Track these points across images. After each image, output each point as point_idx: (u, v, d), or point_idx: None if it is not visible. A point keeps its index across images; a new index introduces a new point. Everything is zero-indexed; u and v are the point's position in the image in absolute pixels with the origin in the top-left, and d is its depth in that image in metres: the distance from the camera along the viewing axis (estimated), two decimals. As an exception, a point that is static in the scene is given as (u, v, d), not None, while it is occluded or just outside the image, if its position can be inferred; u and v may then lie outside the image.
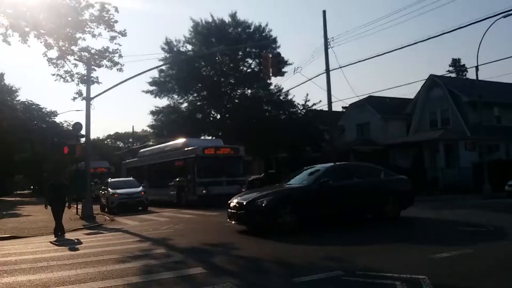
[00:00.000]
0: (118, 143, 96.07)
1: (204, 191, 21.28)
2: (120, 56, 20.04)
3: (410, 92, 74.37)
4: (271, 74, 15.99)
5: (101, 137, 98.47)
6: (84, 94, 19.26)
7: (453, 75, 48.44)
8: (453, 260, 6.67)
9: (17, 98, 49.60)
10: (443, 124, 29.80)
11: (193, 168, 21.70)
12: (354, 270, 6.24)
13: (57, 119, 57.15)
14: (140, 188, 22.42)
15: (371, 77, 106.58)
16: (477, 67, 22.90)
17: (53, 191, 12.99)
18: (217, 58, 36.15)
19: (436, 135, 27.81)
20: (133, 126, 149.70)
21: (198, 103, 37.70)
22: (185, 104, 38.26)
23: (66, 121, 56.87)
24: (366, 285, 5.55)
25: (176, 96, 37.63)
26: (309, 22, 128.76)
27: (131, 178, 25.16)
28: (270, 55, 15.86)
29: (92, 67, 20.57)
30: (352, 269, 6.31)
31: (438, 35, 20.66)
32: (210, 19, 34.95)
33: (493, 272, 6.06)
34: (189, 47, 36.01)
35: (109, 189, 22.34)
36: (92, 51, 20.23)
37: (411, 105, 31.93)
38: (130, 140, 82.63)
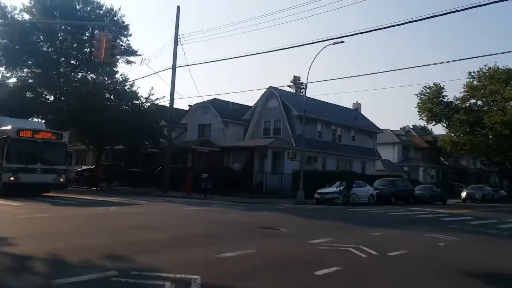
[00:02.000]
0: None
1: (12, 178, 18.85)
2: None
3: (252, 99, 79.03)
4: (102, 58, 14.97)
5: None
6: None
7: (293, 90, 53.02)
8: (234, 260, 7.06)
9: None
10: (275, 133, 32.24)
11: (2, 151, 19.03)
12: (130, 270, 6.04)
13: None
14: None
15: (218, 79, 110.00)
16: (306, 85, 25.56)
17: None
18: (59, 35, 32.75)
19: (266, 143, 29.90)
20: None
21: (30, 80, 33.54)
22: (13, 79, 33.69)
23: None
24: (135, 286, 5.41)
25: (2, 69, 32.86)
26: (165, 14, 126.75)
27: None
28: (105, 38, 14.83)
29: None
30: (128, 269, 6.11)
31: (277, 50, 22.26)
32: (56, -11, 31.33)
33: (264, 270, 6.53)
34: (26, 16, 31.70)
35: None
36: None
37: (250, 112, 33.78)
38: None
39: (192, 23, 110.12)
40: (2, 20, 30.71)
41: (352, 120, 39.04)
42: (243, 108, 35.71)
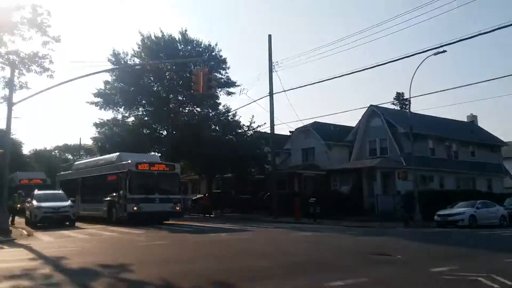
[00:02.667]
0: (67, 155, 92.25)
1: (135, 208, 20.47)
2: (51, 62, 19.27)
3: (353, 119, 76.55)
4: (201, 91, 15.77)
5: (48, 148, 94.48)
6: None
7: (397, 107, 50.32)
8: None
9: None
10: (381, 152, 30.64)
11: (125, 183, 20.85)
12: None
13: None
14: (68, 203, 21.24)
15: (316, 102, 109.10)
16: (409, 100, 24.00)
17: None
18: (166, 75, 35.73)
19: (374, 163, 28.49)
20: (80, 138, 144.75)
21: (145, 118, 36.94)
22: (132, 118, 37.40)
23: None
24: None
25: (122, 110, 36.70)
26: (258, 44, 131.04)
27: (59, 191, 23.91)
28: (202, 72, 15.67)
29: (21, 71, 19.67)
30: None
31: (373, 67, 21.07)
32: (159, 34, 34.53)
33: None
34: (137, 60, 35.30)
35: (33, 201, 21.06)
36: (22, 54, 19.39)
37: (352, 133, 32.69)
38: (81, 152, 79.63)
39: (285, 47, 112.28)
40: (117, 66, 34.47)
41: (468, 134, 35.50)
42: (345, 129, 34.75)
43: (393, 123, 30.05)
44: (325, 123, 35.29)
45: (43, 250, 11.30)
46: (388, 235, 16.48)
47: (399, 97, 50.75)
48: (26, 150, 79.72)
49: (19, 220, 22.41)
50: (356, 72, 22.03)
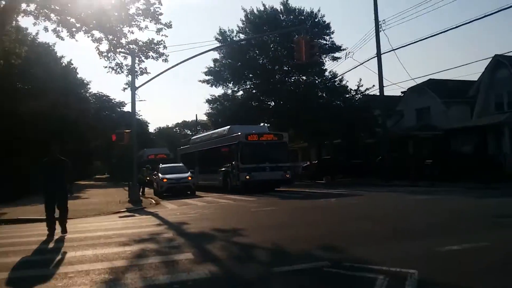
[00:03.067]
0: (186, 130, 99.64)
1: (247, 177, 21.52)
2: (165, 47, 20.82)
3: (470, 73, 68.59)
4: (304, 59, 15.59)
5: (170, 125, 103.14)
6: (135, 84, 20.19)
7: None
8: (459, 254, 6.12)
9: (89, 91, 53.14)
10: (509, 107, 27.19)
11: (237, 154, 21.99)
12: (343, 261, 5.94)
13: (125, 109, 60.54)
14: (188, 174, 23.19)
15: (430, 59, 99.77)
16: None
17: (46, 172, 9.53)
18: (271, 47, 36.07)
19: (501, 119, 25.47)
20: (196, 115, 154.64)
21: (253, 91, 38.00)
22: (240, 92, 38.82)
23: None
24: (345, 277, 5.27)
25: (231, 85, 38.29)
26: (362, 4, 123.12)
27: (180, 164, 26.11)
28: (303, 40, 15.44)
29: (140, 58, 21.58)
30: (341, 260, 6.02)
31: (496, 11, 18.49)
32: (262, 8, 34.93)
33: (498, 268, 5.43)
34: (242, 36, 36.26)
35: (159, 174, 23.37)
36: (139, 43, 21.26)
37: (474, 88, 29.43)
38: (198, 127, 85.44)
39: (392, 3, 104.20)
40: (224, 44, 35.73)
41: None
42: (465, 84, 31.43)
43: (524, 72, 26.36)
44: (441, 80, 32.41)
45: (167, 217, 12.55)
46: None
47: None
48: (151, 128, 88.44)
49: (149, 191, 25.16)
50: (475, 20, 19.68)
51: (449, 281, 4.87)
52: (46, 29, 17.21)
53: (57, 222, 9.61)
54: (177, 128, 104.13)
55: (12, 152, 25.49)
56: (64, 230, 9.66)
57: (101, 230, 10.25)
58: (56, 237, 9.28)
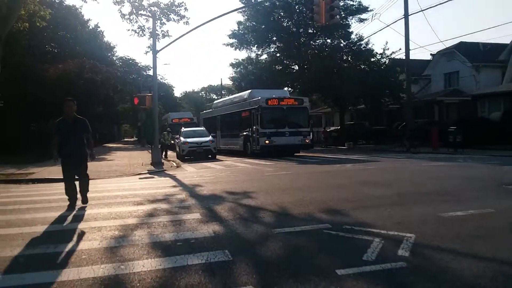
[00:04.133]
0: (212, 94, 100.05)
1: (267, 141, 21.68)
2: (186, 9, 20.83)
3: (504, 34, 64.85)
4: (323, 21, 15.22)
5: (195, 90, 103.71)
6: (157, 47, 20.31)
7: None
8: (461, 220, 6.19)
9: (116, 54, 53.81)
10: (543, 71, 26.02)
11: (257, 119, 22.08)
12: (343, 224, 6.10)
13: (151, 72, 61.10)
14: (209, 138, 23.51)
15: (462, 20, 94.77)
16: None
17: (61, 133, 8.15)
18: (296, 8, 35.21)
19: (533, 84, 24.46)
20: (221, 79, 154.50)
21: (277, 55, 37.52)
22: (264, 56, 38.41)
23: (159, 75, 60.61)
24: (342, 239, 5.42)
25: (255, 48, 37.88)
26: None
27: (202, 128, 26.44)
28: (323, 1, 15.00)
29: (162, 21, 21.59)
30: (342, 223, 6.18)
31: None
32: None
33: (498, 232, 5.50)
34: (267, -2, 35.36)
35: (181, 138, 23.80)
36: (161, 5, 21.21)
37: (506, 51, 28.17)
38: (223, 92, 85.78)
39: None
40: (247, 4, 35.00)
41: None
42: (497, 47, 30.10)
43: (561, 34, 24.93)
44: (472, 43, 31.19)
45: (184, 179, 12.92)
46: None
47: None
48: (177, 92, 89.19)
49: (172, 154, 25.75)
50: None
51: (445, 245, 4.95)
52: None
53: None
54: (203, 92, 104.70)
55: (41, 115, 26.36)
56: (85, 200, 8.48)
57: (119, 190, 10.71)
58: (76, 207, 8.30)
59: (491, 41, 31.71)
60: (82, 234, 6.15)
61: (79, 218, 7.31)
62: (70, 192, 8.32)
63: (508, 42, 28.96)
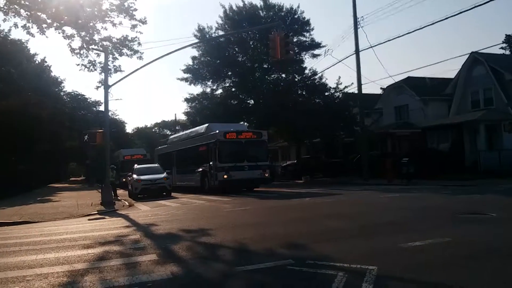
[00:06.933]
0: (165, 130, 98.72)
1: (225, 176, 21.27)
2: (139, 44, 20.37)
3: (448, 69, 69.72)
4: (279, 56, 15.51)
5: (148, 125, 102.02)
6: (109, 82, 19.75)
7: (507, 52, 44.94)
8: (421, 249, 6.21)
9: (64, 89, 52.13)
10: (486, 104, 27.69)
11: (215, 153, 21.69)
12: (306, 259, 5.92)
13: (101, 108, 59.57)
14: (163, 175, 22.82)
15: (408, 57, 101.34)
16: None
17: None
18: (250, 44, 35.88)
19: (476, 116, 25.90)
20: (175, 114, 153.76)
21: (232, 89, 37.71)
22: (220, 91, 38.44)
23: (110, 110, 59.06)
24: (306, 275, 5.25)
25: (210, 83, 37.86)
26: (340, 1, 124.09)
27: (156, 165, 25.74)
28: (278, 36, 15.35)
29: (114, 56, 21.13)
30: (305, 257, 6.00)
31: (471, 8, 18.71)
32: (241, 4, 34.76)
33: (457, 261, 5.52)
34: (221, 33, 35.92)
35: (134, 175, 22.98)
36: (113, 40, 20.80)
37: (451, 85, 29.83)
38: (177, 127, 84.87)
39: (370, 1, 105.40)
40: (202, 40, 35.39)
41: None
42: (443, 82, 31.94)
43: (499, 69, 26.77)
44: (419, 77, 32.87)
45: (138, 219, 12.33)
46: (490, 193, 15.01)
47: (509, 39, 45.08)
48: (129, 128, 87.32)
49: (124, 193, 24.71)
50: (451, 16, 19.75)
51: (407, 276, 4.92)
52: (16, 25, 16.70)
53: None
54: (156, 128, 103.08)
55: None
56: None
57: (67, 233, 9.99)
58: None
59: (437, 76, 33.61)
60: (27, 282, 5.56)
61: (24, 264, 6.66)
62: None
63: (452, 76, 30.78)
